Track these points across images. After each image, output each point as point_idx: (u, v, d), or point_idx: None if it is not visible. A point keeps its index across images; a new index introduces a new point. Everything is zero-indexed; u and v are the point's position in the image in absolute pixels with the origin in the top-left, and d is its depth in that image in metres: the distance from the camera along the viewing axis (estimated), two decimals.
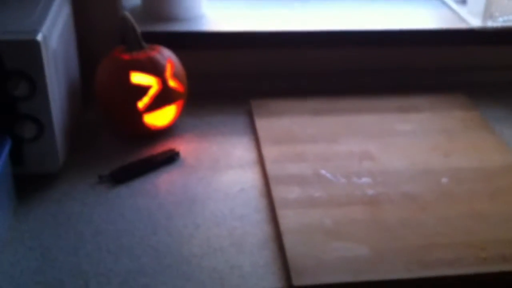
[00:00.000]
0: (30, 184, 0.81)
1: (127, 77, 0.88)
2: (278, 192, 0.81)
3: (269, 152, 0.90)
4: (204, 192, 0.82)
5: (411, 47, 1.12)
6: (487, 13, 1.06)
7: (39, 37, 0.73)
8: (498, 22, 1.06)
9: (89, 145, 0.92)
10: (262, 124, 0.97)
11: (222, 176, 0.86)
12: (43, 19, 0.78)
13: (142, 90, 0.89)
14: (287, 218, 0.75)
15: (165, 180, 0.85)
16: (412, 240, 0.73)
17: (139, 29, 0.91)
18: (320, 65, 1.12)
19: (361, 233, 0.74)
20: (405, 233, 0.74)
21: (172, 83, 0.91)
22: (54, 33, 0.81)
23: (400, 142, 0.93)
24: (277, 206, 0.78)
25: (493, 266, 0.70)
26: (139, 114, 0.90)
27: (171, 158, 0.89)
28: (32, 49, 0.72)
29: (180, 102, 0.94)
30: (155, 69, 0.89)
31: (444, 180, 0.84)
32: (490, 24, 1.06)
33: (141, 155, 0.89)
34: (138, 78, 0.89)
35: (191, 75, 0.97)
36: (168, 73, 0.91)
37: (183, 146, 0.92)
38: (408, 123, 0.98)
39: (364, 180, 0.83)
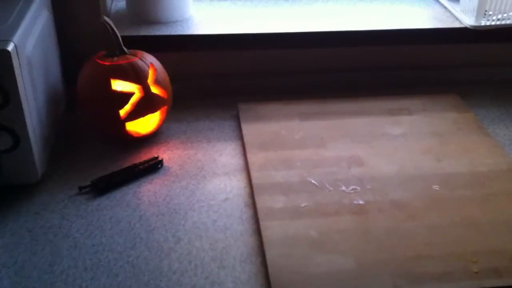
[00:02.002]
0: (7, 196, 0.79)
1: (108, 84, 0.85)
2: (263, 201, 0.78)
3: (255, 158, 0.87)
4: (187, 203, 0.80)
5: (403, 47, 1.09)
6: (481, 11, 1.03)
7: (10, 47, 0.70)
8: (492, 20, 1.03)
9: (70, 153, 0.89)
10: (249, 129, 0.94)
11: (207, 184, 0.83)
12: (17, 25, 0.76)
13: (124, 97, 0.86)
14: (270, 230, 0.73)
15: (147, 190, 0.82)
16: (400, 251, 0.70)
17: (119, 34, 0.89)
18: (309, 66, 1.09)
19: (347, 245, 0.71)
20: (392, 243, 0.71)
21: (155, 89, 0.89)
22: (29, 39, 0.78)
23: (390, 146, 0.90)
24: (260, 217, 0.75)
25: (485, 280, 0.67)
26: (121, 122, 0.87)
27: (154, 166, 0.86)
28: (3, 59, 0.70)
29: (164, 109, 0.91)
30: (136, 75, 0.87)
31: (435, 186, 0.82)
32: (484, 22, 1.03)
33: (124, 163, 0.87)
34: (119, 85, 0.86)
35: (177, 79, 0.95)
36: (150, 79, 0.88)
37: (167, 154, 0.90)
38: (398, 126, 0.96)
39: (352, 188, 0.81)
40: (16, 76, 0.72)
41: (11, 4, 0.81)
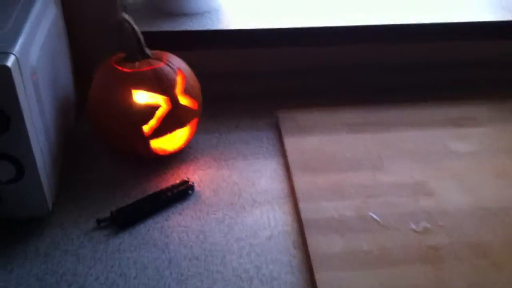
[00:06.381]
0: (13, 233, 0.67)
1: (129, 96, 0.72)
2: (316, 244, 0.65)
3: (301, 183, 0.74)
4: (225, 242, 0.67)
5: (466, 42, 0.95)
6: None
7: (10, 62, 0.57)
8: None
9: (84, 174, 0.76)
10: (292, 144, 0.81)
11: (246, 217, 0.71)
12: (19, 31, 0.62)
13: (148, 111, 0.73)
14: (329, 285, 0.60)
15: (177, 224, 0.70)
16: None
17: (141, 34, 0.75)
18: (356, 65, 0.95)
19: None
20: None
21: (183, 100, 0.75)
22: (34, 45, 0.65)
23: (459, 168, 0.77)
24: (315, 266, 0.62)
25: None
26: (144, 140, 0.74)
27: (184, 192, 0.74)
28: (1, 77, 0.56)
29: (194, 122, 0.78)
30: (162, 85, 0.73)
31: None
32: None
33: (148, 187, 0.74)
34: (141, 96, 0.73)
35: (206, 80, 0.81)
36: (178, 88, 0.74)
37: (198, 174, 0.77)
38: (465, 140, 0.82)
39: (422, 225, 0.68)
40: (19, 95, 0.58)
41: (11, 3, 0.67)
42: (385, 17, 0.91)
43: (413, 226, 0.67)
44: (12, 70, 0.57)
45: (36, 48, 0.65)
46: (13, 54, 0.58)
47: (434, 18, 0.92)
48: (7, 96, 0.58)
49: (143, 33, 0.77)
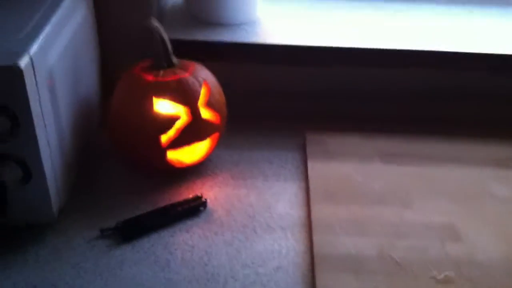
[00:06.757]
0: (16, 238, 0.66)
1: (149, 104, 0.70)
2: (325, 281, 0.60)
3: (320, 213, 0.69)
4: (230, 267, 0.63)
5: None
6: None
7: (23, 63, 0.55)
8: None
9: (98, 183, 0.74)
10: (316, 169, 0.76)
11: (256, 242, 0.67)
12: (39, 31, 0.60)
13: (167, 121, 0.70)
14: None
15: (182, 242, 0.66)
16: None
17: (169, 42, 0.72)
18: (397, 90, 0.90)
19: None
20: None
21: (205, 113, 0.72)
22: (54, 47, 0.63)
23: (496, 214, 0.70)
24: None
25: None
26: (161, 150, 0.71)
27: (196, 208, 0.70)
28: (13, 78, 0.55)
29: (215, 136, 0.75)
30: (184, 95, 0.70)
31: None
32: None
33: (159, 200, 0.72)
34: (163, 105, 0.70)
35: (236, 93, 0.78)
36: (201, 101, 0.71)
37: (214, 191, 0.74)
38: (507, 184, 0.75)
39: (446, 273, 0.62)
40: (30, 97, 0.57)
41: (38, 1, 0.66)
42: (435, 42, 0.86)
43: (435, 273, 0.61)
44: (25, 71, 0.55)
45: (57, 50, 0.64)
46: (28, 55, 0.56)
47: (490, 48, 0.85)
48: (17, 97, 0.56)
49: (176, 41, 0.75)
